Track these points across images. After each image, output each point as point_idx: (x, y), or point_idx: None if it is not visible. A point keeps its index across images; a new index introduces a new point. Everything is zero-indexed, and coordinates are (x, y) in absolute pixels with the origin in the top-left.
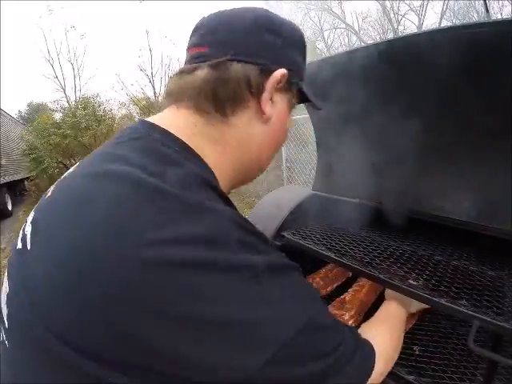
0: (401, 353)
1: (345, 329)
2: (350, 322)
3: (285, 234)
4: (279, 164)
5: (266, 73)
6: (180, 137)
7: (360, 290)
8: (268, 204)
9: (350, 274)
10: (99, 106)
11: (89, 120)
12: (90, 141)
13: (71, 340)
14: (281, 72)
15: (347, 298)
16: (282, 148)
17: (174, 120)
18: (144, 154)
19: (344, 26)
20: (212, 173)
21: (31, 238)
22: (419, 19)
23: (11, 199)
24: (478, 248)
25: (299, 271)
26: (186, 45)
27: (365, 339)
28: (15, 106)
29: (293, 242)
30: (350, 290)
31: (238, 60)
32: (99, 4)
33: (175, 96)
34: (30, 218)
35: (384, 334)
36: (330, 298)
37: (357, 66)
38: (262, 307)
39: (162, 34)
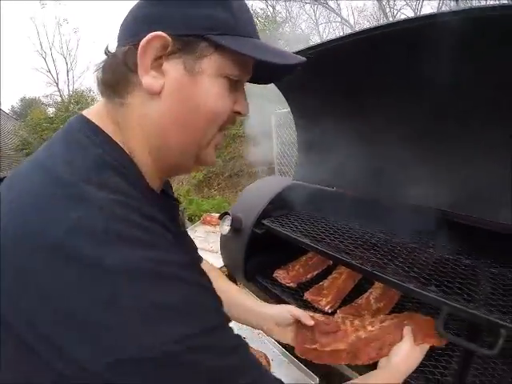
0: None
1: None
2: (327, 308)
3: (264, 221)
4: (271, 156)
5: (136, 44)
6: (96, 122)
7: (338, 278)
8: (250, 194)
9: (331, 262)
10: (92, 100)
11: None
12: None
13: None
14: (148, 37)
15: (325, 284)
16: (274, 142)
17: (96, 108)
18: (62, 143)
19: (339, 19)
20: (127, 156)
21: None
22: (415, 14)
23: None
24: (456, 237)
25: (205, 291)
26: None
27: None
28: (8, 101)
29: (272, 229)
30: (328, 277)
31: (119, 46)
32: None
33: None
34: None
35: None
36: (309, 284)
37: (332, 56)
38: (113, 311)
39: None
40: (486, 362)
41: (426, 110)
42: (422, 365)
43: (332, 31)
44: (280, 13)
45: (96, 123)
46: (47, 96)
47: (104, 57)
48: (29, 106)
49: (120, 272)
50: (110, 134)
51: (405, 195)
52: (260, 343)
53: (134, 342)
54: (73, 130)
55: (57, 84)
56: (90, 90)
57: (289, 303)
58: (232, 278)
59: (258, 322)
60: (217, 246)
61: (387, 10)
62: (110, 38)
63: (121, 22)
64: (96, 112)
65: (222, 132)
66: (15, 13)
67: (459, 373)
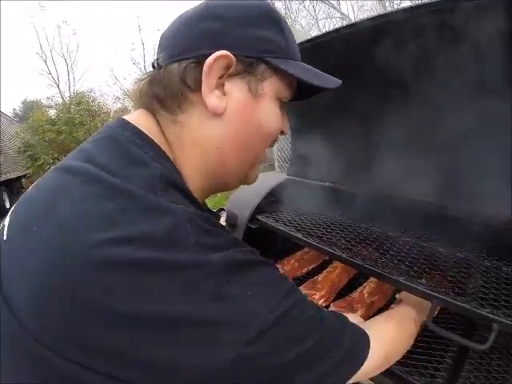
0: None
1: (331, 316)
2: (321, 302)
3: (259, 217)
4: (272, 153)
5: (201, 61)
6: (150, 135)
7: (332, 272)
8: (245, 189)
9: (327, 257)
10: (93, 100)
11: (83, 115)
12: (85, 136)
13: (38, 334)
14: (214, 56)
15: (319, 278)
16: None
17: (144, 120)
18: (112, 153)
19: (339, 15)
20: (179, 173)
21: (8, 229)
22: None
23: (9, 197)
24: (450, 230)
25: (271, 267)
26: None
27: (359, 328)
28: (10, 104)
29: (266, 224)
30: (323, 271)
31: (173, 61)
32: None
33: (139, 101)
34: (10, 211)
35: (391, 328)
36: (304, 279)
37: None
38: (216, 306)
39: (154, 28)
40: (481, 358)
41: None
42: (415, 359)
43: (332, 27)
44: (279, 9)
45: (146, 133)
46: (48, 98)
47: (151, 69)
48: (30, 108)
49: (220, 268)
50: (162, 146)
51: (399, 188)
52: None
53: (251, 321)
54: (120, 138)
55: (58, 86)
56: (91, 91)
57: None
58: None
59: None
60: None
61: (387, 4)
62: (109, 38)
63: (167, 32)
64: (145, 123)
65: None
66: (15, 16)
67: (453, 368)
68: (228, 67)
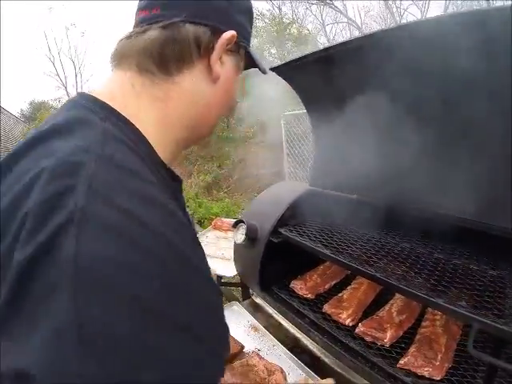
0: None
1: None
2: (348, 321)
3: (282, 230)
4: (280, 158)
5: (216, 33)
6: (109, 102)
7: (358, 288)
8: (265, 200)
9: (349, 271)
10: None
11: None
12: None
13: None
14: (231, 33)
15: (345, 296)
16: (283, 142)
17: (110, 84)
18: (71, 122)
19: (346, 20)
20: (133, 131)
21: None
22: (422, 13)
23: None
24: (479, 246)
25: None
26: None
27: None
28: (17, 105)
29: (290, 239)
30: (348, 287)
31: (190, 21)
32: (100, 1)
33: (119, 58)
34: None
35: None
36: (328, 295)
37: (355, 57)
38: None
39: None
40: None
41: (453, 119)
42: (446, 380)
43: (339, 31)
44: (286, 14)
45: (105, 102)
46: (56, 99)
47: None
48: (38, 109)
49: None
50: (122, 109)
51: (430, 203)
52: (275, 356)
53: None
54: (79, 107)
55: (65, 87)
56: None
57: (307, 316)
58: (246, 287)
59: None
60: (228, 252)
61: (394, 9)
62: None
63: None
64: (105, 90)
65: None
66: (24, 17)
67: None
68: (229, 44)
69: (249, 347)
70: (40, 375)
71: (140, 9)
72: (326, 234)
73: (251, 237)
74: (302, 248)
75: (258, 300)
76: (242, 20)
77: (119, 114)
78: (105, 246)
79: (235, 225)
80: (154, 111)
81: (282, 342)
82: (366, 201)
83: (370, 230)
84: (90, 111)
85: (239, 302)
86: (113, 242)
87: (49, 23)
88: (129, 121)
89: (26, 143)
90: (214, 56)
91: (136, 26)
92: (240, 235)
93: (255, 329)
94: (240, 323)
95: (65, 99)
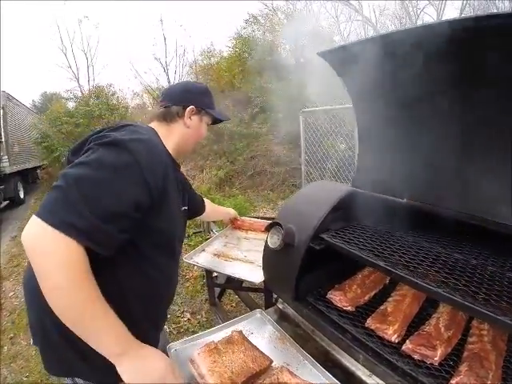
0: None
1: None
2: (394, 337)
3: (324, 236)
4: (295, 156)
5: (185, 108)
6: (156, 129)
7: (402, 301)
8: (302, 201)
9: (387, 279)
10: (112, 95)
11: (102, 109)
12: None
13: None
14: (190, 108)
15: (389, 309)
16: (302, 140)
17: (155, 125)
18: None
19: (361, 18)
20: (162, 143)
21: None
22: (438, 14)
23: (23, 187)
24: None
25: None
26: (200, 35)
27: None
28: (29, 96)
29: (334, 245)
30: (390, 299)
31: (174, 105)
32: None
33: (151, 117)
34: None
35: None
36: (368, 308)
37: (408, 52)
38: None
39: (176, 23)
40: None
41: None
42: None
43: (353, 30)
44: (301, 11)
45: (155, 129)
46: (67, 91)
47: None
48: (49, 100)
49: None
50: (160, 135)
51: (487, 212)
52: (306, 371)
53: None
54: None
55: (77, 79)
56: (110, 85)
57: (349, 331)
58: (269, 292)
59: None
60: (252, 255)
61: (410, 8)
62: (132, 34)
63: (169, 89)
64: (155, 125)
65: None
66: (37, 8)
67: None
68: (192, 111)
69: (277, 361)
70: None
71: (160, 99)
72: (374, 242)
73: (288, 242)
74: (350, 256)
75: (284, 308)
76: (200, 97)
77: (156, 132)
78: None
79: (269, 227)
80: (164, 138)
81: (313, 356)
82: (416, 206)
83: (419, 238)
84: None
85: (262, 309)
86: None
87: (62, 15)
88: (158, 135)
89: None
90: (185, 116)
91: (158, 104)
92: (275, 240)
93: (282, 340)
94: (265, 333)
95: (77, 90)
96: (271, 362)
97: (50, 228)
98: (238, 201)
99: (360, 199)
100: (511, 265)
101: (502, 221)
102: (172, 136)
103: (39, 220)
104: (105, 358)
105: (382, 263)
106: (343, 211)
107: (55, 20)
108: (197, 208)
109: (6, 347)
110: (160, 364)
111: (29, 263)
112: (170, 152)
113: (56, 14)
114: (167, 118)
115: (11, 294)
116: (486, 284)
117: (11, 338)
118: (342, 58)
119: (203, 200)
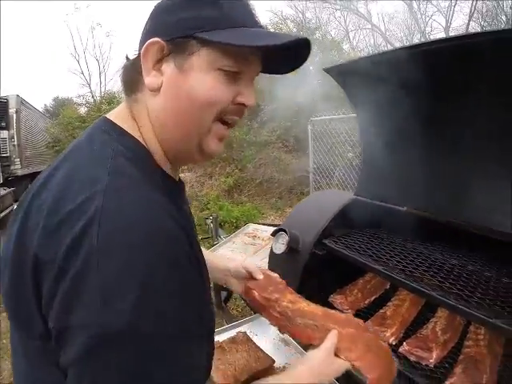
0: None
1: None
2: (392, 339)
3: (326, 242)
4: (304, 164)
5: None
6: (116, 121)
7: (401, 305)
8: (306, 209)
9: (388, 285)
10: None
11: None
12: None
13: None
14: (146, 45)
15: (388, 312)
16: (309, 149)
17: (119, 108)
18: (88, 142)
19: (370, 26)
20: (141, 146)
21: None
22: (446, 21)
23: None
24: None
25: None
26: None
27: None
28: (41, 101)
29: (336, 251)
30: (389, 303)
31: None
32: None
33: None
34: None
35: None
36: (368, 311)
37: (408, 65)
38: None
39: None
40: None
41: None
42: None
43: (362, 38)
44: (310, 20)
45: (114, 122)
46: (80, 96)
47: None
48: (61, 105)
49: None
50: (128, 129)
51: (485, 220)
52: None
53: None
54: (96, 130)
55: (89, 85)
56: (121, 91)
57: None
58: None
59: (221, 276)
60: (255, 261)
61: (418, 16)
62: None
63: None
64: (117, 112)
65: (226, 125)
66: (51, 15)
67: None
68: (161, 51)
69: (279, 362)
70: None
71: None
72: (374, 248)
73: (292, 247)
74: (350, 262)
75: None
76: (172, 16)
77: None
78: None
79: (274, 233)
80: (135, 129)
81: None
82: (416, 214)
83: (417, 245)
84: None
85: None
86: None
87: (74, 22)
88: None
89: None
90: (143, 70)
91: None
92: (280, 245)
93: (285, 342)
94: (269, 335)
95: (89, 96)
96: (273, 362)
97: None
98: (246, 208)
99: (362, 207)
100: (506, 270)
101: (497, 228)
102: (142, 122)
103: None
104: None
105: (379, 267)
106: (346, 219)
107: (68, 27)
108: None
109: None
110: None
111: None
112: (158, 160)
113: (68, 20)
114: (128, 86)
115: None
116: (481, 289)
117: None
118: (343, 73)
119: None
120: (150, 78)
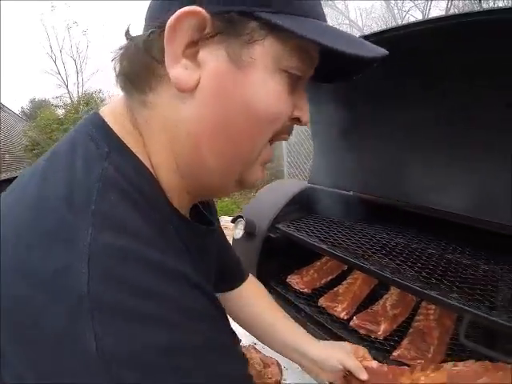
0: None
1: None
2: (343, 314)
3: (279, 226)
4: (280, 158)
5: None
6: (114, 127)
7: (354, 283)
8: (264, 197)
9: (346, 267)
10: (102, 101)
11: None
12: None
13: None
14: (176, 15)
15: (340, 290)
16: (283, 143)
17: (115, 105)
18: (68, 152)
19: (347, 22)
20: (143, 173)
21: None
22: (423, 16)
23: None
24: (473, 242)
25: None
26: None
27: None
28: (18, 103)
29: (287, 233)
30: (343, 282)
31: (144, 29)
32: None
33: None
34: None
35: None
36: (324, 290)
37: None
38: None
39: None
40: None
41: (453, 115)
42: None
43: None
44: None
45: (110, 125)
46: (57, 98)
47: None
48: (38, 107)
49: None
50: (129, 143)
51: (424, 200)
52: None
53: None
54: (82, 133)
55: (66, 86)
56: (99, 92)
57: (303, 310)
58: None
59: (301, 361)
60: None
61: (395, 11)
62: (121, 39)
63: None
64: (114, 111)
65: (272, 145)
66: (25, 15)
67: None
68: (201, 29)
69: (245, 341)
70: None
71: None
72: (323, 230)
73: (249, 232)
74: (299, 243)
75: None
76: None
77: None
78: None
79: (234, 220)
80: (141, 146)
81: None
82: (362, 197)
83: (365, 226)
84: None
85: None
86: None
87: (51, 21)
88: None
89: None
90: (167, 57)
91: None
92: (239, 231)
93: None
94: None
95: (66, 97)
96: (239, 341)
97: None
98: (225, 203)
99: (313, 194)
100: (453, 247)
101: (436, 207)
102: (151, 138)
103: None
104: None
105: (324, 246)
106: (299, 204)
107: (44, 26)
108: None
109: None
110: None
111: None
112: (171, 198)
113: (44, 19)
114: (132, 80)
115: None
116: (420, 263)
117: None
118: None
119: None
120: (179, 71)
